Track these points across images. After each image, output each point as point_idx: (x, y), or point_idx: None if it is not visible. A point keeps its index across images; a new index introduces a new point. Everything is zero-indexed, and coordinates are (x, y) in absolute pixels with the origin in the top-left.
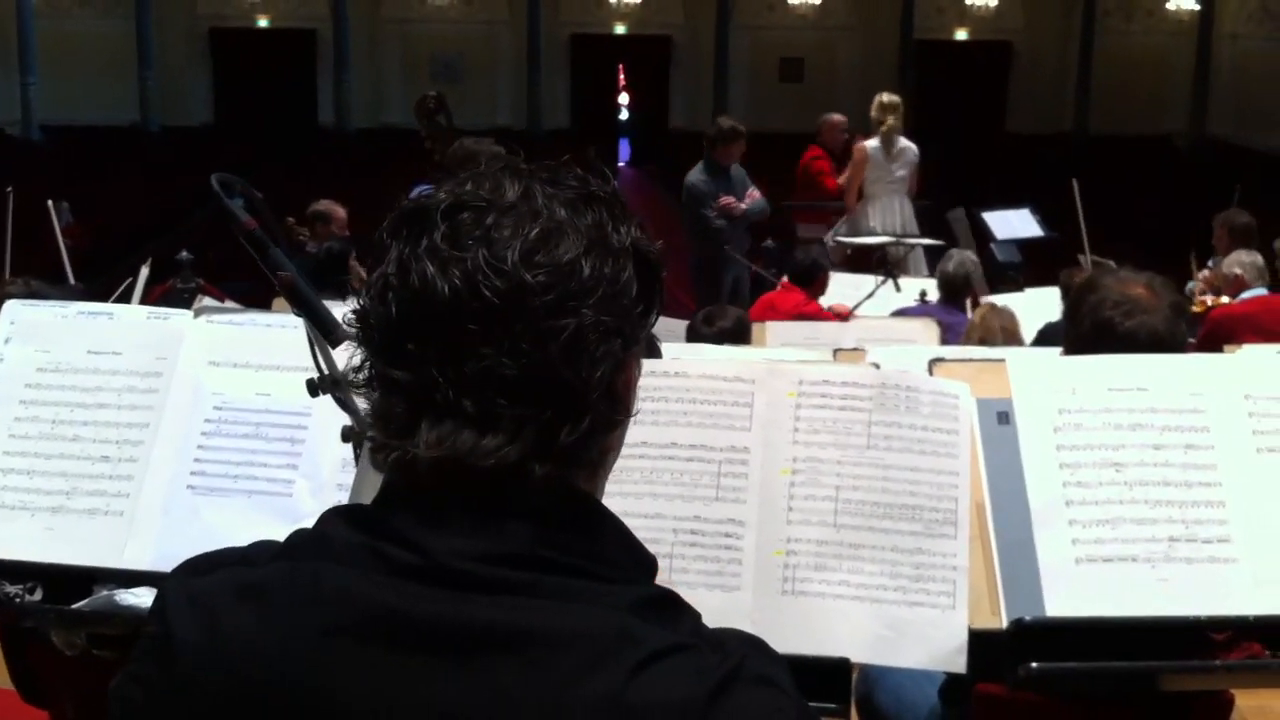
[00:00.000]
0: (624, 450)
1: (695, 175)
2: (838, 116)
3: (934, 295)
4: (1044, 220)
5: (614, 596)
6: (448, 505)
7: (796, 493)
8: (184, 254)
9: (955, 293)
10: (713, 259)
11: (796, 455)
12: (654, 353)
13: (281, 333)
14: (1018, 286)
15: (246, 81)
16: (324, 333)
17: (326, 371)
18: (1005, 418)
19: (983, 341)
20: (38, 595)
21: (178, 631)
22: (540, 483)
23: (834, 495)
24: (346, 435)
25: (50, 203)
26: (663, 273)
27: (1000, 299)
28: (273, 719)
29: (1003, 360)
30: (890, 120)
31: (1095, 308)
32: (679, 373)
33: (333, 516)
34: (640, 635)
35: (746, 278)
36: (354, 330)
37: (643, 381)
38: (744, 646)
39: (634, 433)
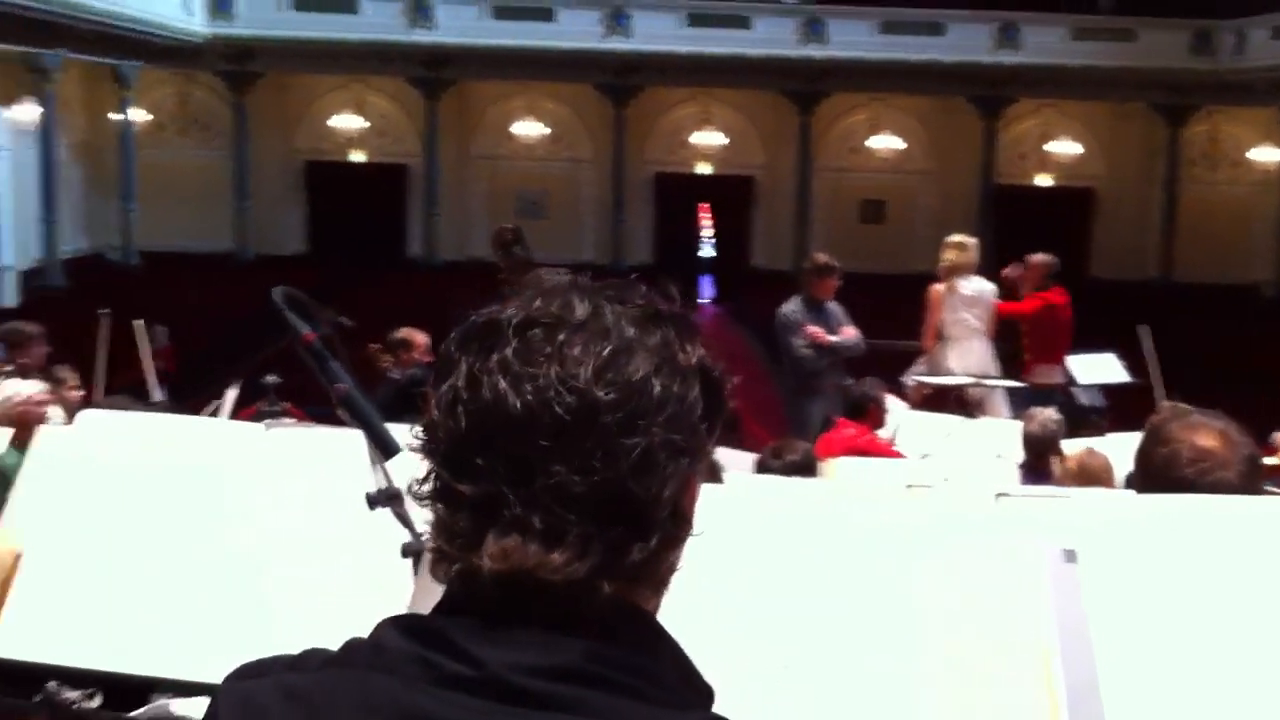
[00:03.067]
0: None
1: (789, 306)
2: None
3: (1007, 451)
4: (1128, 366)
5: None
6: (509, 618)
7: (860, 633)
8: (270, 378)
9: (1040, 455)
10: (799, 391)
11: (859, 597)
12: (714, 478)
13: (342, 447)
14: (1100, 431)
15: (339, 213)
16: (380, 446)
17: (385, 485)
18: (1073, 556)
19: (1077, 483)
20: (97, 702)
21: None
22: (606, 600)
23: (899, 638)
24: (406, 551)
25: (140, 323)
26: (726, 391)
27: (1084, 443)
28: None
29: (1069, 498)
30: (959, 261)
31: (1168, 463)
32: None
33: (387, 625)
34: None
35: (839, 413)
36: (421, 443)
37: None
38: None
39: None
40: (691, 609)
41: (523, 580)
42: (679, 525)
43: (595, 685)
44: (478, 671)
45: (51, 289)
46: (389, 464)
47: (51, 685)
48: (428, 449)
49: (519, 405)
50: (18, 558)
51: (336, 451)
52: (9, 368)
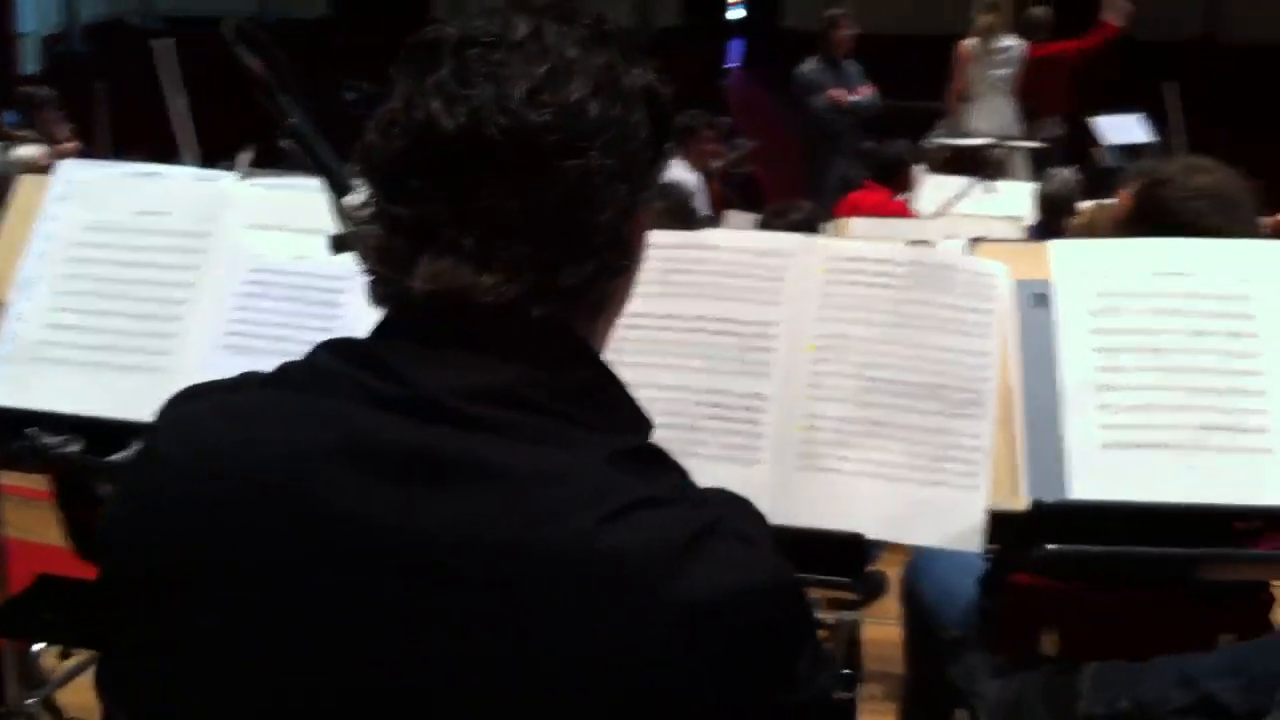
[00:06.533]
0: (651, 322)
1: (806, 65)
2: None
3: (1023, 213)
4: (1157, 128)
5: (595, 445)
6: (440, 339)
7: (822, 369)
8: (286, 142)
9: (1056, 215)
10: (818, 153)
11: (824, 331)
12: (690, 224)
13: (323, 196)
14: None
15: None
16: (333, 183)
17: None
18: (1043, 300)
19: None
20: (77, 447)
21: (161, 446)
22: (537, 324)
23: (859, 373)
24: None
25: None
26: (674, 116)
27: (1098, 202)
28: (244, 531)
29: (1044, 243)
30: (990, 19)
31: (1157, 202)
32: (710, 245)
33: (322, 348)
34: (615, 485)
35: (858, 176)
36: (360, 165)
37: (673, 253)
38: (725, 505)
39: (661, 304)
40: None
41: (454, 302)
42: (620, 254)
43: (526, 408)
44: (409, 391)
45: (72, 55)
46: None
47: (31, 431)
48: (365, 171)
49: (451, 127)
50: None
51: (314, 197)
52: (24, 133)
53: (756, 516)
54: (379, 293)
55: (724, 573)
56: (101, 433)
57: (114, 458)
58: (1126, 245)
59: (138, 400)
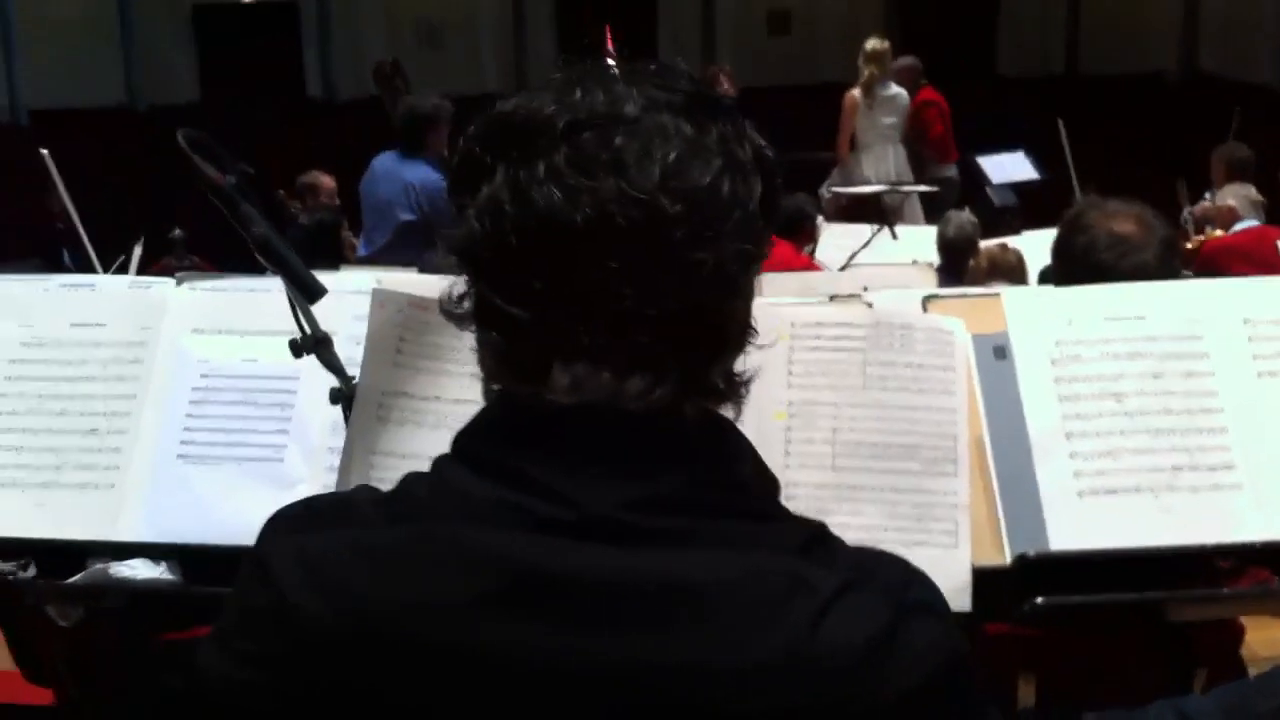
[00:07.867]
0: None
1: None
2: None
3: (924, 256)
4: (1037, 163)
5: (777, 538)
6: (591, 449)
7: (793, 437)
8: (177, 231)
9: (959, 258)
10: None
11: (792, 399)
12: None
13: (266, 296)
14: (1014, 230)
15: (231, 58)
16: (302, 289)
17: (309, 331)
18: (1002, 352)
19: (990, 278)
20: (31, 571)
21: (295, 598)
22: (690, 424)
23: (831, 438)
24: (335, 397)
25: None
26: (780, 178)
27: (998, 242)
28: (418, 689)
29: (998, 295)
30: (873, 69)
31: (1087, 250)
32: None
33: (454, 465)
34: (813, 580)
35: None
36: (460, 258)
37: None
38: (897, 573)
39: None
40: None
41: (599, 409)
42: (748, 334)
43: (701, 512)
44: (576, 512)
45: None
46: (313, 308)
47: None
48: (468, 264)
49: (579, 220)
50: None
51: (256, 299)
52: None
53: (923, 579)
54: (499, 399)
55: (926, 656)
56: (54, 554)
57: (74, 580)
58: (1078, 292)
59: (90, 519)
